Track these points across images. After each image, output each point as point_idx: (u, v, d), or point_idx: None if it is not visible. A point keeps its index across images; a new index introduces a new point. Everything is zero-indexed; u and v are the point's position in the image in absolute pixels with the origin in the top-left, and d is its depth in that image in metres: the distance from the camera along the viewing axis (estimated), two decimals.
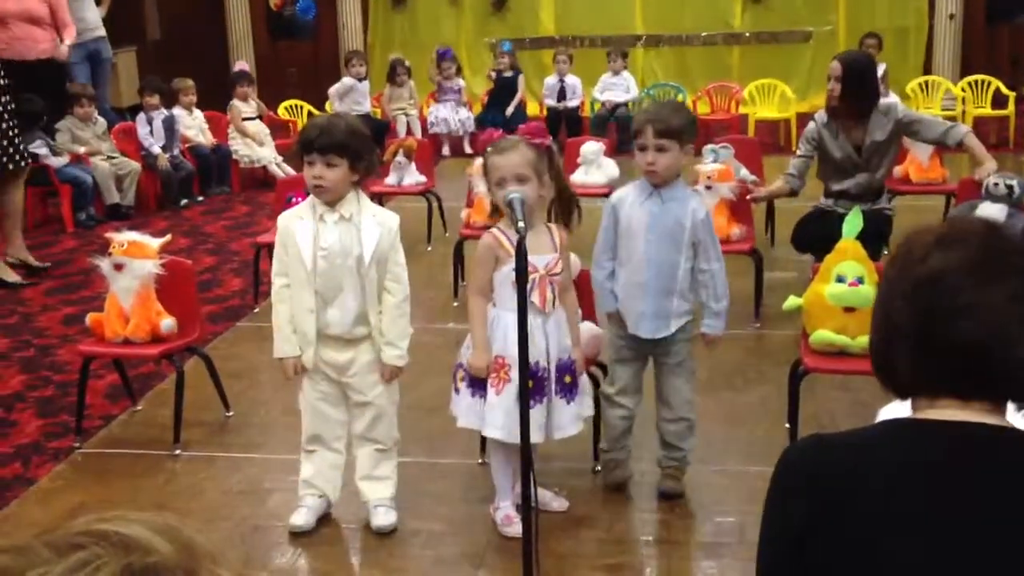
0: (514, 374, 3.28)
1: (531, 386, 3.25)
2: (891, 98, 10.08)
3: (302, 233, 3.36)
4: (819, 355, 3.87)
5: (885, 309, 1.42)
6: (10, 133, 6.53)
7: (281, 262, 3.42)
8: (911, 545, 1.31)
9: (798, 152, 5.56)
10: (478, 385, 3.38)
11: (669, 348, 3.61)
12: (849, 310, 3.79)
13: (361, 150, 3.35)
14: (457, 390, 3.47)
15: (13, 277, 6.56)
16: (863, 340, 3.61)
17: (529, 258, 3.22)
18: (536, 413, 3.22)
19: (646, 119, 3.51)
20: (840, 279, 3.86)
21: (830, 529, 1.35)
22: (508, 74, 10.97)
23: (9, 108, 6.55)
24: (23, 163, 6.68)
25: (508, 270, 3.27)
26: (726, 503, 3.62)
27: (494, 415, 3.33)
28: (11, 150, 6.54)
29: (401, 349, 3.45)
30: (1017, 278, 1.34)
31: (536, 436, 3.21)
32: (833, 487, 1.36)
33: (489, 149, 3.37)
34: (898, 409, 1.53)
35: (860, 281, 3.81)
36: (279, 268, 3.43)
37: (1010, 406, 1.39)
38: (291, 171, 8.90)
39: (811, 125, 5.46)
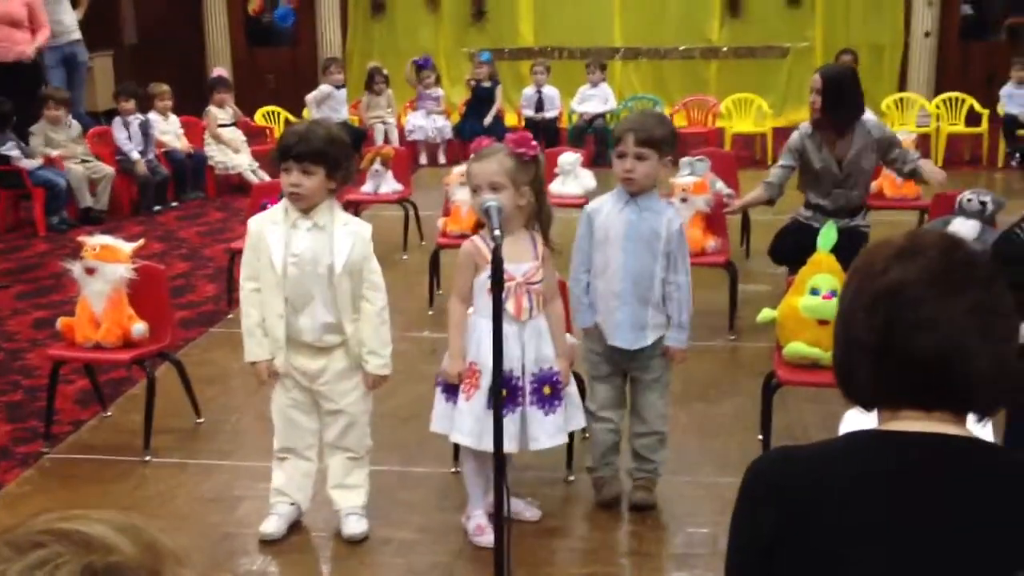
0: (484, 381, 3.27)
1: (504, 395, 3.24)
2: (868, 115, 10.19)
3: (273, 238, 3.33)
4: (792, 367, 3.88)
5: (845, 322, 1.42)
6: None
7: (251, 266, 3.38)
8: (873, 555, 1.31)
9: (780, 162, 5.57)
10: (451, 391, 3.38)
11: (647, 363, 3.59)
12: (823, 323, 3.80)
13: (339, 158, 3.32)
14: (436, 395, 3.47)
15: None
16: None
17: (506, 266, 3.23)
18: (508, 422, 3.20)
19: (628, 127, 3.51)
20: (814, 291, 3.87)
21: (795, 540, 1.35)
22: (486, 84, 10.97)
23: None
24: None
25: (486, 277, 3.26)
26: (699, 514, 3.62)
27: (463, 421, 3.32)
28: None
29: (385, 358, 3.42)
30: (976, 290, 1.35)
31: (508, 446, 3.20)
32: (798, 498, 1.36)
33: (472, 156, 3.36)
34: (861, 418, 1.53)
35: (834, 294, 3.82)
36: (248, 272, 3.40)
37: (970, 416, 1.40)
38: (266, 177, 8.87)
39: (795, 135, 5.47)
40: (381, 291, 3.41)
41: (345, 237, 3.34)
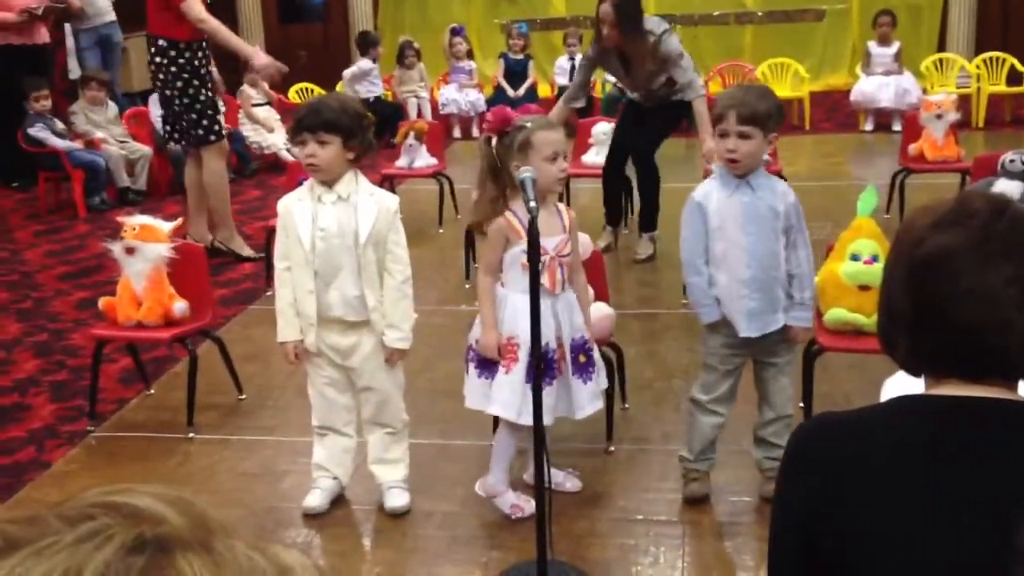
0: (522, 354, 3.27)
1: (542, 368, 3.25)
2: (905, 76, 10.01)
3: (300, 214, 3.35)
4: (833, 334, 3.84)
5: (886, 291, 1.40)
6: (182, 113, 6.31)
7: (283, 245, 3.41)
8: (912, 524, 1.29)
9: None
10: (485, 366, 3.37)
11: (775, 347, 3.42)
12: (864, 288, 3.75)
13: (353, 127, 3.31)
14: (468, 372, 3.46)
15: (248, 251, 6.54)
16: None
17: (548, 239, 3.24)
18: (546, 395, 3.20)
19: (729, 103, 3.25)
20: (855, 257, 3.83)
21: (834, 510, 1.34)
22: (518, 57, 10.89)
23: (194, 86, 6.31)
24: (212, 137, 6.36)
25: (518, 251, 3.26)
26: (741, 483, 3.61)
27: (501, 393, 3.32)
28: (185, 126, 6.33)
29: (404, 331, 3.42)
30: (1017, 261, 1.31)
31: (547, 418, 3.20)
32: (836, 469, 1.35)
33: (529, 124, 3.26)
34: (904, 382, 1.51)
35: (875, 259, 3.78)
36: (281, 251, 3.42)
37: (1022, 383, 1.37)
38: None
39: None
40: (404, 264, 3.40)
41: (370, 207, 3.34)
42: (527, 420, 3.18)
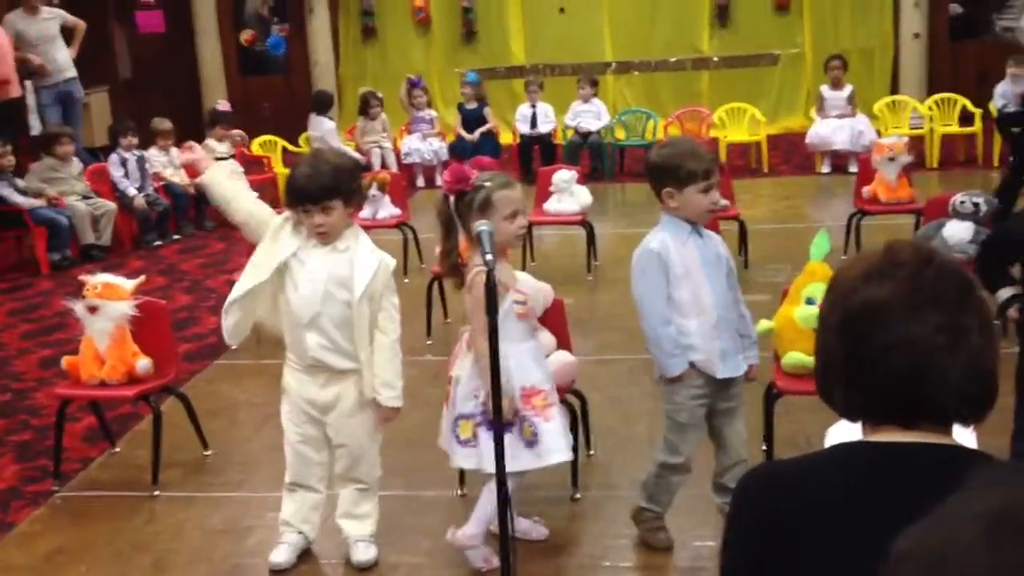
0: (554, 398, 3.38)
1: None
2: (859, 118, 10.24)
3: (285, 239, 3.39)
4: (792, 377, 3.91)
5: (821, 342, 1.44)
6: None
7: (263, 250, 3.43)
8: (859, 568, 1.33)
9: None
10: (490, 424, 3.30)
11: (736, 390, 3.48)
12: None
13: (351, 187, 3.40)
14: (465, 442, 3.39)
15: None
16: None
17: (520, 287, 3.36)
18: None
19: (713, 158, 3.43)
20: (810, 301, 3.90)
21: (782, 562, 1.38)
22: (472, 106, 11.02)
23: None
24: None
25: (508, 305, 3.30)
26: (704, 527, 3.65)
27: (556, 440, 3.36)
28: None
29: (397, 389, 3.45)
30: (946, 309, 1.35)
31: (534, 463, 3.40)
32: (774, 522, 1.39)
33: (488, 184, 3.33)
34: (847, 427, 1.56)
35: None
36: (258, 256, 3.44)
37: (956, 425, 1.41)
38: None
39: None
40: (396, 323, 3.46)
41: (370, 263, 3.39)
42: (520, 466, 3.31)
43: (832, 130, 10.13)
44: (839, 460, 1.43)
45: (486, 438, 3.30)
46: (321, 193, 3.31)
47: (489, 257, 2.81)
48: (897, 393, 1.37)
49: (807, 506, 1.38)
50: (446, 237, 3.40)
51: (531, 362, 3.38)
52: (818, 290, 3.90)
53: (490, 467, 3.26)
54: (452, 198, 3.35)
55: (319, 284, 3.36)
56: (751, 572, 1.41)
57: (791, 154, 11.18)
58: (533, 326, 3.48)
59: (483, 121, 10.94)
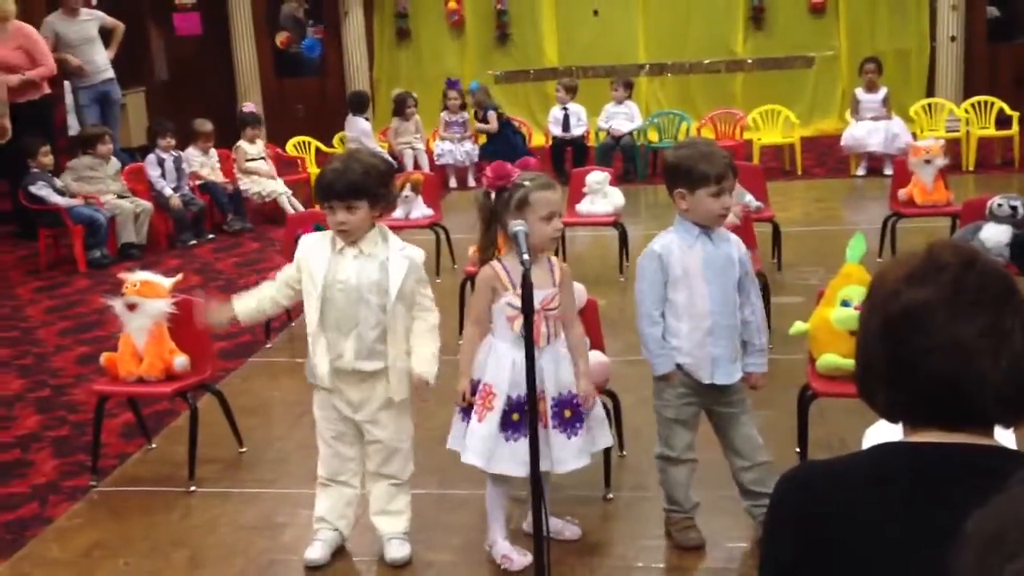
0: (498, 403, 3.34)
1: (516, 418, 3.33)
2: (894, 121, 10.16)
3: (317, 259, 3.44)
4: (826, 379, 3.89)
5: (862, 344, 1.44)
6: None
7: (291, 269, 3.51)
8: (899, 573, 1.33)
9: None
10: (468, 412, 3.43)
11: (735, 396, 3.50)
12: (855, 334, 3.80)
13: (378, 188, 3.41)
14: (454, 416, 3.53)
15: None
16: None
17: (543, 292, 3.33)
18: (519, 447, 3.29)
19: (728, 162, 3.40)
20: (845, 303, 3.89)
21: (819, 562, 1.37)
22: (480, 114, 11.06)
23: None
24: None
25: (504, 302, 3.33)
26: (737, 529, 3.64)
27: (473, 441, 3.37)
28: None
29: (432, 363, 3.46)
30: (988, 310, 1.35)
31: (519, 470, 3.29)
32: (816, 522, 1.38)
33: (528, 183, 3.34)
34: (885, 429, 1.55)
35: None
36: (286, 272, 3.53)
37: (997, 427, 1.41)
38: (300, 207, 9.00)
39: None
40: (433, 312, 3.50)
41: (401, 263, 3.42)
42: (498, 468, 3.34)
43: (867, 132, 10.05)
44: (877, 461, 1.43)
45: (456, 420, 3.48)
46: (347, 191, 3.34)
47: (526, 257, 2.82)
48: (938, 396, 1.36)
49: (844, 507, 1.38)
50: (485, 232, 3.42)
51: (507, 366, 3.34)
52: (854, 292, 3.89)
53: (450, 443, 3.48)
54: (492, 194, 3.37)
55: (352, 292, 3.40)
56: (788, 570, 1.41)
57: (825, 156, 11.11)
58: (550, 333, 3.43)
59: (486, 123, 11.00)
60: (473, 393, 3.40)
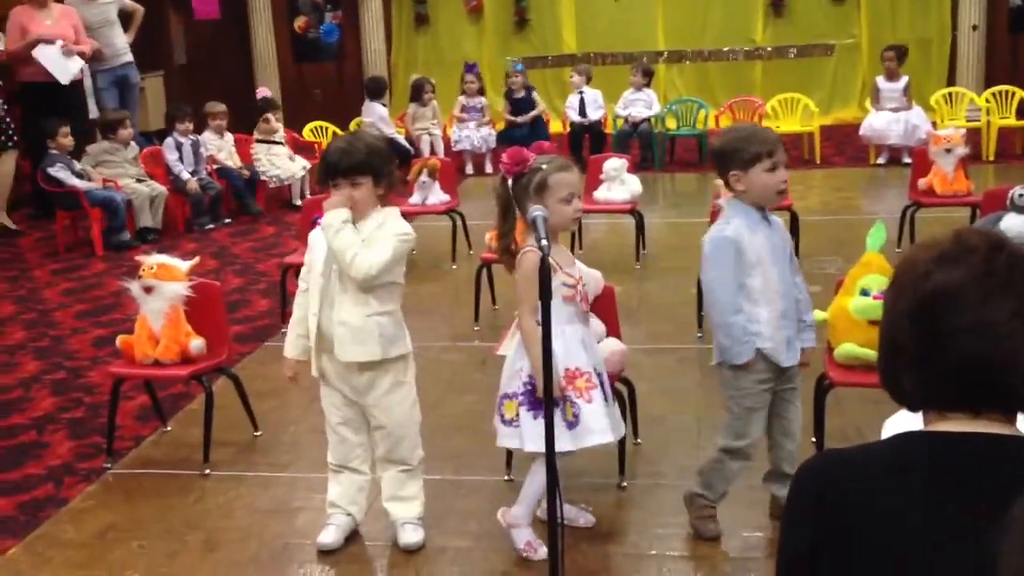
0: (595, 379, 3.38)
1: (595, 390, 3.40)
2: (914, 111, 10.07)
3: (321, 243, 3.45)
4: (844, 368, 3.86)
5: (888, 327, 1.43)
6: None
7: (306, 268, 3.55)
8: (917, 560, 1.31)
9: None
10: (535, 407, 3.32)
11: (794, 375, 3.47)
12: (874, 323, 3.74)
13: (382, 166, 3.42)
14: (509, 421, 3.40)
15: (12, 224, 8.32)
16: None
17: (569, 270, 3.37)
18: (614, 411, 3.46)
19: (772, 137, 3.39)
20: (864, 292, 3.85)
21: (839, 546, 1.36)
22: (520, 94, 11.01)
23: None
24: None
25: (558, 283, 3.29)
26: (753, 518, 3.62)
27: (596, 422, 3.35)
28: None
29: (336, 226, 3.33)
30: (1018, 294, 1.34)
31: (613, 435, 3.43)
32: (840, 507, 1.38)
33: (545, 166, 3.33)
34: (904, 420, 1.54)
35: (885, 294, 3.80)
36: (303, 273, 3.57)
37: (1021, 416, 1.39)
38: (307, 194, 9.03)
39: None
40: (376, 260, 3.33)
41: (388, 238, 3.41)
42: (617, 435, 3.45)
43: (887, 123, 9.97)
44: (898, 449, 1.41)
45: (527, 418, 3.34)
46: (351, 167, 3.35)
47: (544, 242, 2.80)
48: (968, 378, 1.35)
49: (863, 496, 1.37)
50: (503, 219, 3.40)
51: (576, 344, 3.38)
52: (874, 281, 3.85)
53: (530, 447, 3.34)
54: (510, 180, 3.35)
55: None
56: (807, 558, 1.40)
57: (845, 145, 11.04)
58: (583, 311, 3.46)
59: (532, 107, 10.93)
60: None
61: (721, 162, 3.39)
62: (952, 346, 1.35)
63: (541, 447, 3.33)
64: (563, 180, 3.31)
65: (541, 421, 3.32)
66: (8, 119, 8.61)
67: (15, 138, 8.63)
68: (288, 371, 3.59)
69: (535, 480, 3.46)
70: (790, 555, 1.45)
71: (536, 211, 2.92)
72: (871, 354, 3.79)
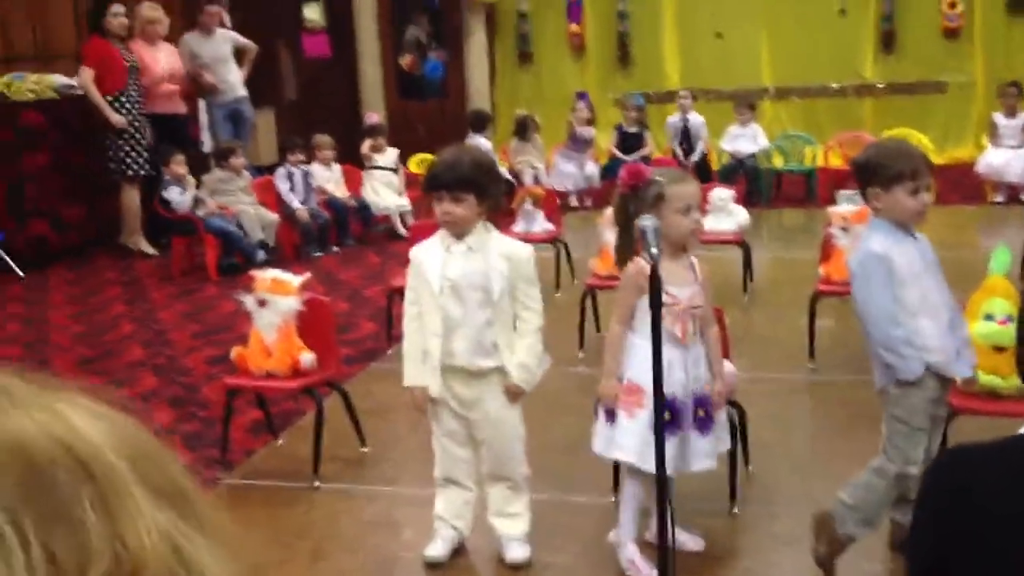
0: (648, 402, 3.26)
1: (668, 418, 3.24)
2: None
3: (430, 262, 3.45)
4: (967, 396, 3.72)
5: None
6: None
7: (413, 291, 3.51)
8: None
9: None
10: (613, 413, 3.38)
11: (944, 399, 3.39)
12: (999, 349, 3.64)
13: (487, 184, 3.42)
14: (597, 418, 3.48)
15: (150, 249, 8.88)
16: (1015, 380, 3.47)
17: (671, 289, 3.26)
18: (670, 446, 3.17)
19: (925, 159, 3.32)
20: (989, 317, 3.73)
21: (962, 555, 1.32)
22: (633, 130, 10.99)
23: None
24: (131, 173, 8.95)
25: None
26: (874, 549, 3.50)
27: (625, 438, 3.32)
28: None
29: (531, 371, 3.43)
30: None
31: (669, 469, 3.19)
32: (961, 515, 1.33)
33: (662, 178, 3.34)
34: None
35: (1009, 319, 3.67)
36: (410, 297, 3.53)
37: None
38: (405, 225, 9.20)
39: None
40: (537, 313, 3.45)
41: (502, 261, 3.41)
42: (650, 466, 3.15)
43: (1006, 161, 9.69)
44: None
45: (601, 421, 3.43)
46: (456, 182, 3.35)
47: (654, 251, 2.78)
48: None
49: (984, 499, 1.32)
50: (622, 234, 3.39)
51: (645, 361, 3.27)
52: (997, 306, 3.73)
53: (595, 446, 3.45)
54: (628, 195, 3.35)
55: (462, 289, 3.40)
56: (935, 554, 1.36)
57: (959, 183, 10.74)
58: (675, 336, 3.35)
59: (641, 145, 10.90)
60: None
61: (863, 174, 3.29)
62: None
63: (601, 449, 3.43)
64: (680, 192, 3.29)
65: (608, 425, 3.36)
66: (135, 150, 8.92)
67: (147, 166, 8.97)
68: (418, 400, 3.51)
69: (625, 494, 3.45)
70: (918, 563, 1.40)
71: (646, 220, 2.89)
72: (996, 381, 3.66)
